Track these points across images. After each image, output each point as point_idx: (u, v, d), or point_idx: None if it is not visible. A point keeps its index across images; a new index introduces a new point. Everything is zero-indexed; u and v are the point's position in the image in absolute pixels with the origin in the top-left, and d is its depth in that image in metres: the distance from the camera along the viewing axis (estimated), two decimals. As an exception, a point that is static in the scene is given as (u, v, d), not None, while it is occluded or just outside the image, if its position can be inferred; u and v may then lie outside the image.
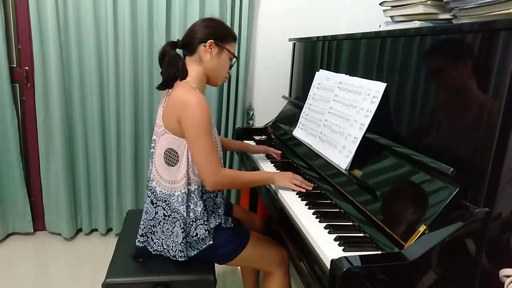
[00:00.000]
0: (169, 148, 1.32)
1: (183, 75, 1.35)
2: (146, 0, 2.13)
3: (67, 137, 2.27)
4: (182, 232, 1.30)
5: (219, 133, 2.37)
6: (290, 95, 2.19)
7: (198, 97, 1.26)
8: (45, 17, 2.07)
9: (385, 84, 1.25)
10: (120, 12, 2.15)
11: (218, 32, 1.39)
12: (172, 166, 1.32)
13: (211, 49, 1.36)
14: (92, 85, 2.21)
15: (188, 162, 1.31)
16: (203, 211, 1.34)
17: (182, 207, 1.31)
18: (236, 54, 1.47)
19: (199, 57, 1.37)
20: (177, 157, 1.31)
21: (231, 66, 1.47)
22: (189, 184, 1.33)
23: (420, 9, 1.25)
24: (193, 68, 1.37)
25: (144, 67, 2.22)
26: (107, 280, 1.30)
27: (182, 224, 1.31)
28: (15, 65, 2.19)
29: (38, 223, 2.43)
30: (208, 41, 1.35)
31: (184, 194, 1.32)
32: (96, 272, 2.08)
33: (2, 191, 2.29)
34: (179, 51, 1.40)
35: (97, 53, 2.18)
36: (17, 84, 2.22)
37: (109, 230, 2.50)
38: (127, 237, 1.50)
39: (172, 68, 1.35)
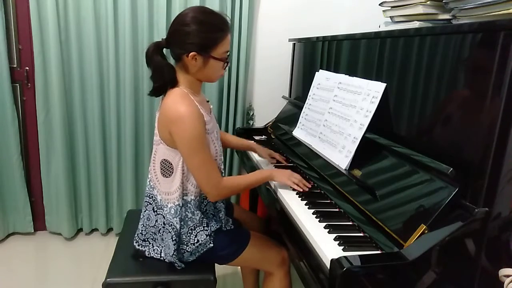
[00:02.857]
0: (164, 159, 1.29)
1: (173, 84, 1.28)
2: (146, 0, 2.14)
3: (68, 137, 2.27)
4: (174, 245, 1.29)
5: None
6: (290, 95, 2.19)
7: (190, 107, 1.20)
8: (46, 17, 2.07)
9: (385, 84, 1.25)
10: (121, 12, 2.15)
11: (201, 41, 1.22)
12: (167, 177, 1.30)
13: (195, 60, 1.23)
14: (93, 85, 2.21)
15: (183, 173, 1.28)
16: (202, 218, 1.33)
17: (175, 219, 1.29)
18: (228, 50, 1.29)
19: (185, 65, 1.26)
20: (172, 168, 1.29)
21: (227, 63, 1.31)
22: (185, 195, 1.30)
23: (419, 10, 1.26)
24: (182, 76, 1.29)
25: (144, 67, 2.19)
26: (108, 279, 1.30)
27: (174, 236, 1.29)
28: (15, 65, 2.19)
29: (39, 223, 2.43)
30: (190, 54, 1.22)
31: (177, 207, 1.29)
32: (97, 271, 2.08)
33: (3, 191, 2.30)
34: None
35: (97, 53, 2.18)
36: (17, 84, 2.22)
37: (109, 230, 2.50)
38: (128, 237, 1.49)
39: (158, 78, 1.26)
